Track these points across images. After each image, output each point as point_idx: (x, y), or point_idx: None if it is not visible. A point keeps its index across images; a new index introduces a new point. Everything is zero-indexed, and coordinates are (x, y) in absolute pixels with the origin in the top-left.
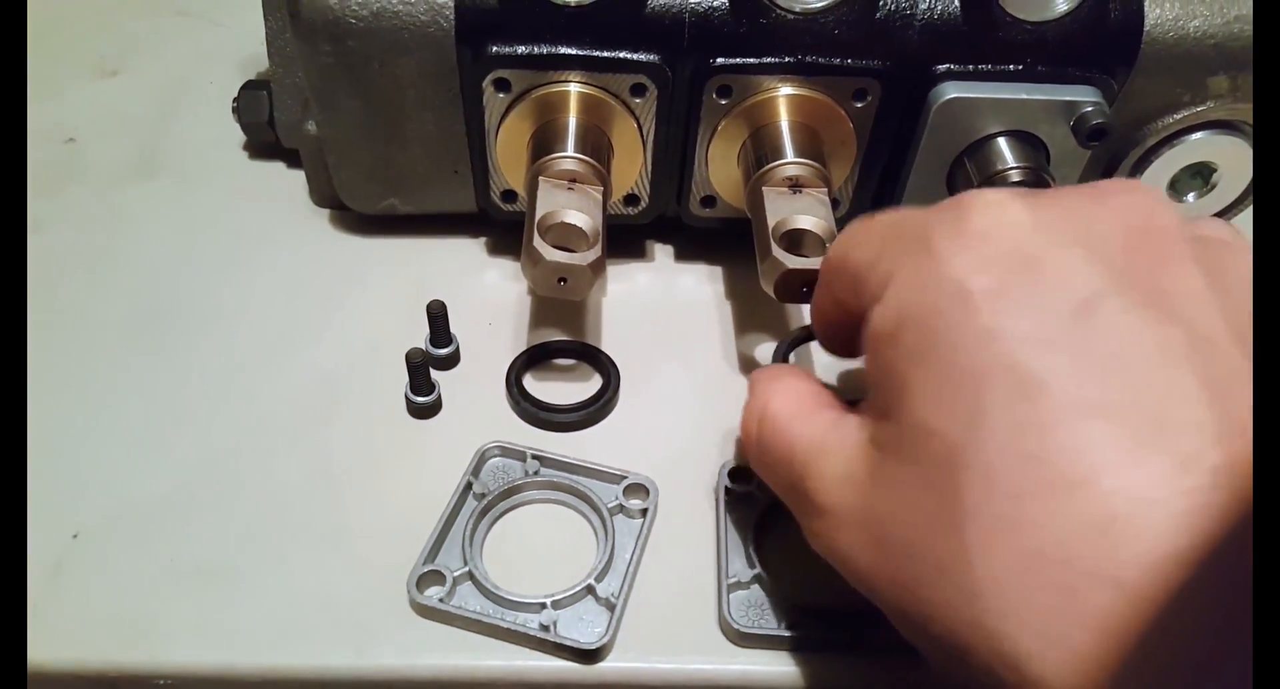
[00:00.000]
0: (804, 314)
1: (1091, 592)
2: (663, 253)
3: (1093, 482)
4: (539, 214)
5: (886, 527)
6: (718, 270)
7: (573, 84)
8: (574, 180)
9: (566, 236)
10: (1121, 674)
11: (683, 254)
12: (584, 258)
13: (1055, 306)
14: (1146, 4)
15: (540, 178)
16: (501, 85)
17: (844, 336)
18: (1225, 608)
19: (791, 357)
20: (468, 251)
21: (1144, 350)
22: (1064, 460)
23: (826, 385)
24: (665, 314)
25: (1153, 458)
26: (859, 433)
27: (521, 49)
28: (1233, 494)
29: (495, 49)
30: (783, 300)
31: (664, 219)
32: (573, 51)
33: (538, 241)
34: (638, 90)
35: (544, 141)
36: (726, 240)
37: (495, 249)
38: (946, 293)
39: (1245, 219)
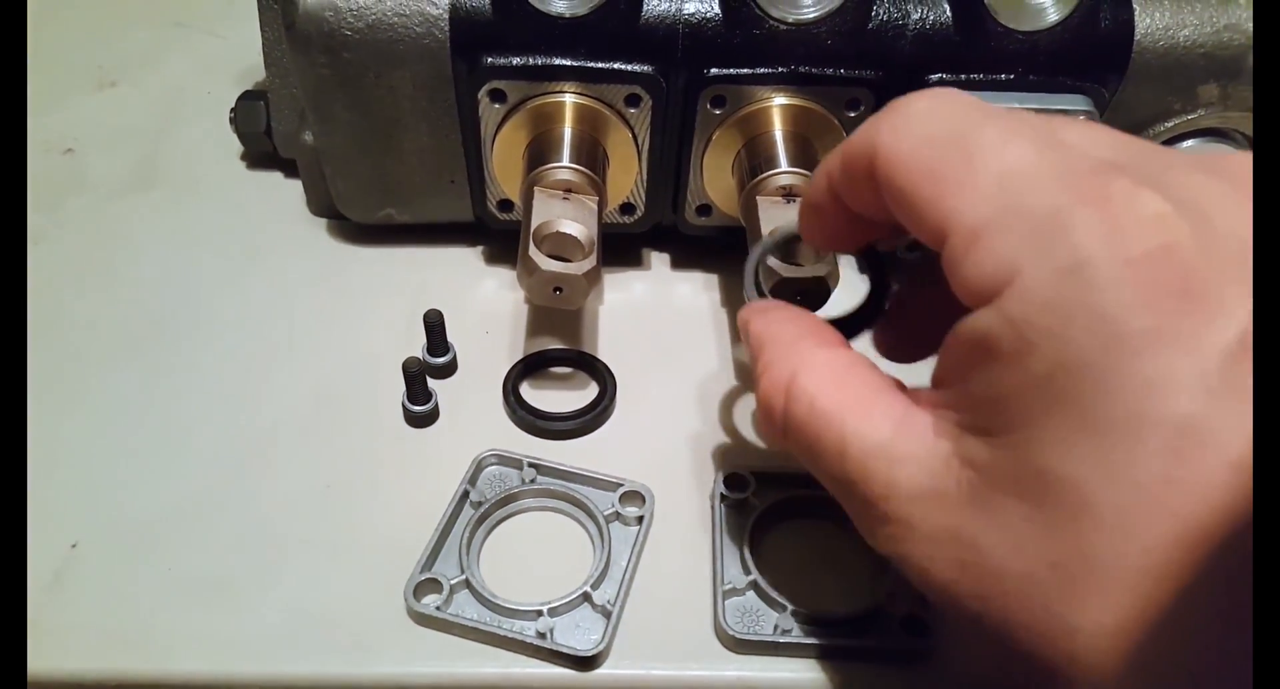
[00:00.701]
0: None
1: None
2: (659, 261)
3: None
4: (534, 224)
5: (981, 553)
6: (714, 278)
7: (568, 95)
8: (569, 190)
9: (562, 246)
10: None
11: (679, 262)
12: (579, 267)
13: (1223, 350)
14: (1137, 14)
15: (536, 188)
16: (497, 96)
17: (840, 232)
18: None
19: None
20: (465, 261)
21: None
22: (1202, 510)
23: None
24: (662, 322)
25: None
26: (941, 442)
27: (516, 60)
28: None
29: (490, 60)
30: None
31: (660, 228)
32: (567, 62)
33: (533, 251)
34: (632, 100)
35: (539, 152)
36: (722, 249)
37: (492, 258)
38: (1101, 332)
39: None
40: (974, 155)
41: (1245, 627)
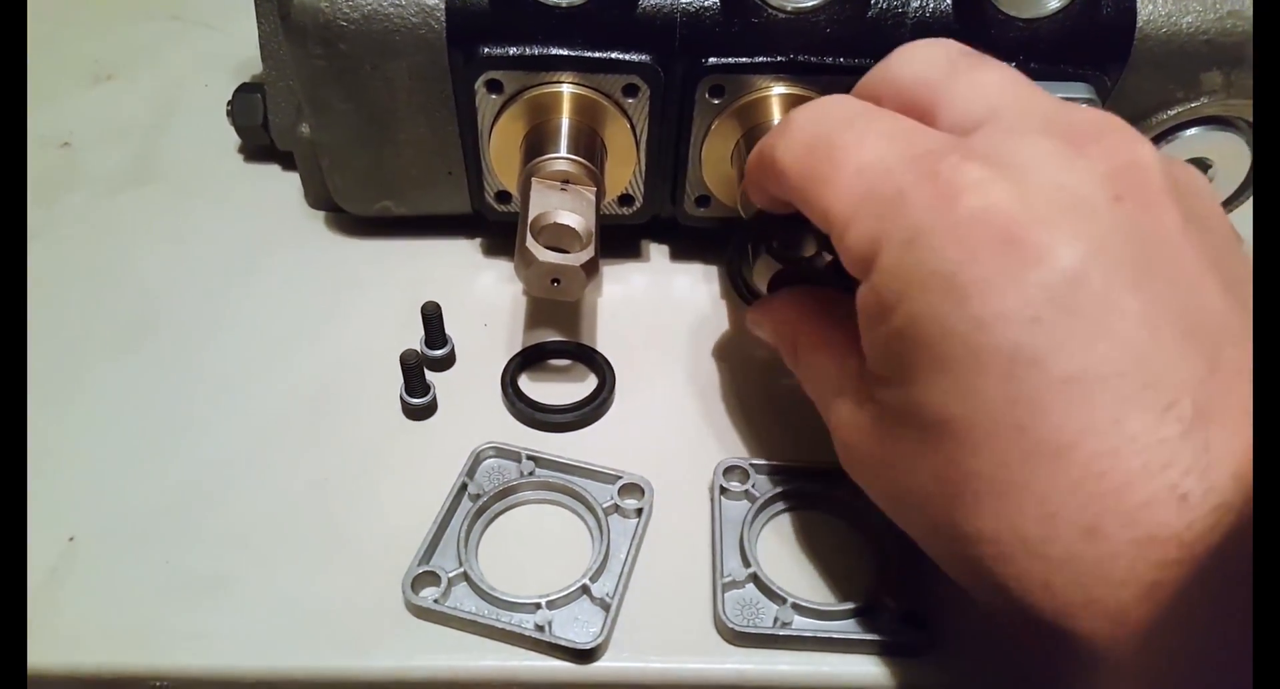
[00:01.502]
0: None
1: (1091, 548)
2: (658, 253)
3: (1079, 445)
4: (532, 215)
5: (893, 474)
6: (713, 270)
7: (565, 85)
8: (567, 181)
9: (559, 237)
10: (1153, 628)
11: (678, 254)
12: (577, 258)
13: (1043, 284)
14: (1139, 0)
15: (533, 179)
16: (494, 87)
17: (769, 202)
18: (1228, 564)
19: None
20: (463, 253)
21: (1127, 314)
22: (1050, 428)
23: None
24: (661, 314)
25: (1134, 415)
26: (861, 385)
27: (513, 50)
28: (1214, 435)
29: (487, 51)
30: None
31: (659, 219)
32: (564, 52)
33: (530, 243)
34: (630, 91)
35: (537, 143)
36: (723, 240)
37: (491, 250)
38: (936, 286)
39: (1240, 215)
40: (836, 156)
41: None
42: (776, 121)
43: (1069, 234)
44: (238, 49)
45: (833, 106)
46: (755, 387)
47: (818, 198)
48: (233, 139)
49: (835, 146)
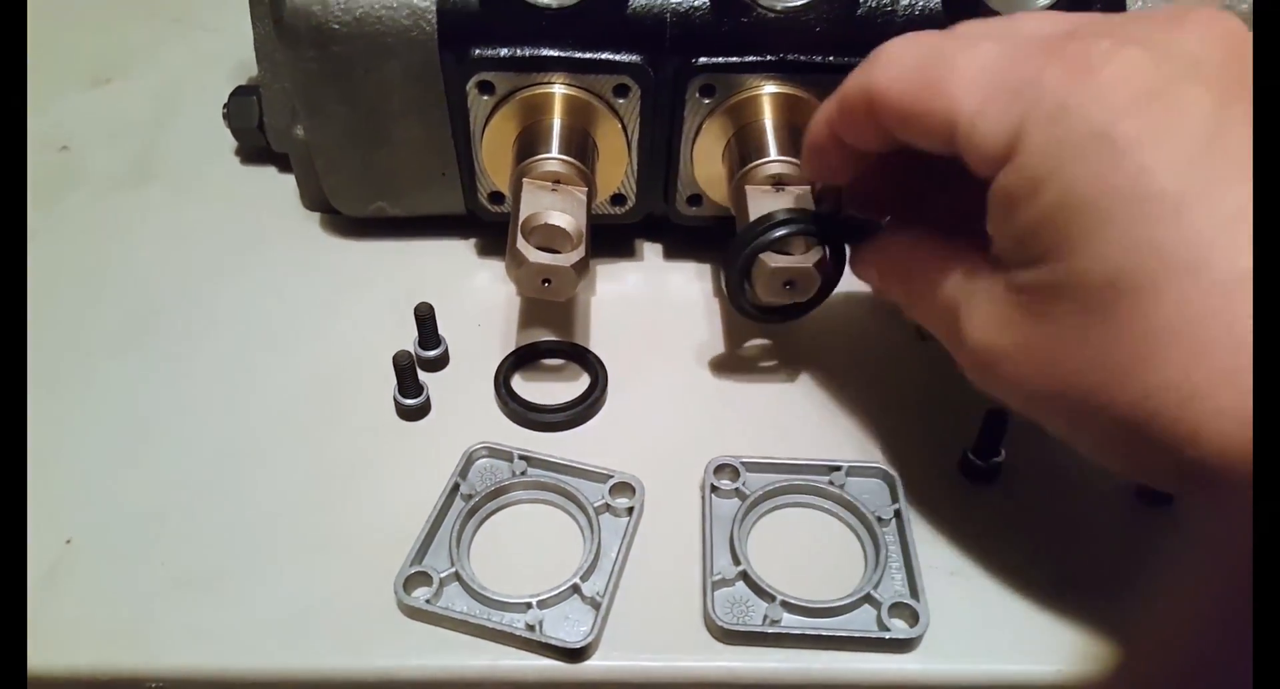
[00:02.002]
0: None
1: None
2: (652, 251)
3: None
4: (523, 216)
5: (1055, 354)
6: (706, 268)
7: (556, 86)
8: (558, 181)
9: (550, 238)
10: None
11: (672, 253)
12: (567, 259)
13: (1192, 131)
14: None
15: (524, 180)
16: (485, 88)
17: (838, 166)
18: None
19: None
20: (458, 253)
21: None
22: (1226, 262)
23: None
24: (654, 312)
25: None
26: (998, 278)
27: (504, 52)
28: None
29: (478, 52)
30: (765, 299)
31: (653, 218)
32: (555, 53)
33: (521, 243)
34: (621, 91)
35: (528, 143)
36: (715, 238)
37: (485, 250)
38: (1092, 149)
39: None
40: (952, 61)
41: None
42: (767, 120)
43: (1203, 86)
44: (236, 50)
45: (923, 33)
46: (746, 384)
47: (936, 105)
48: (230, 141)
49: (947, 55)
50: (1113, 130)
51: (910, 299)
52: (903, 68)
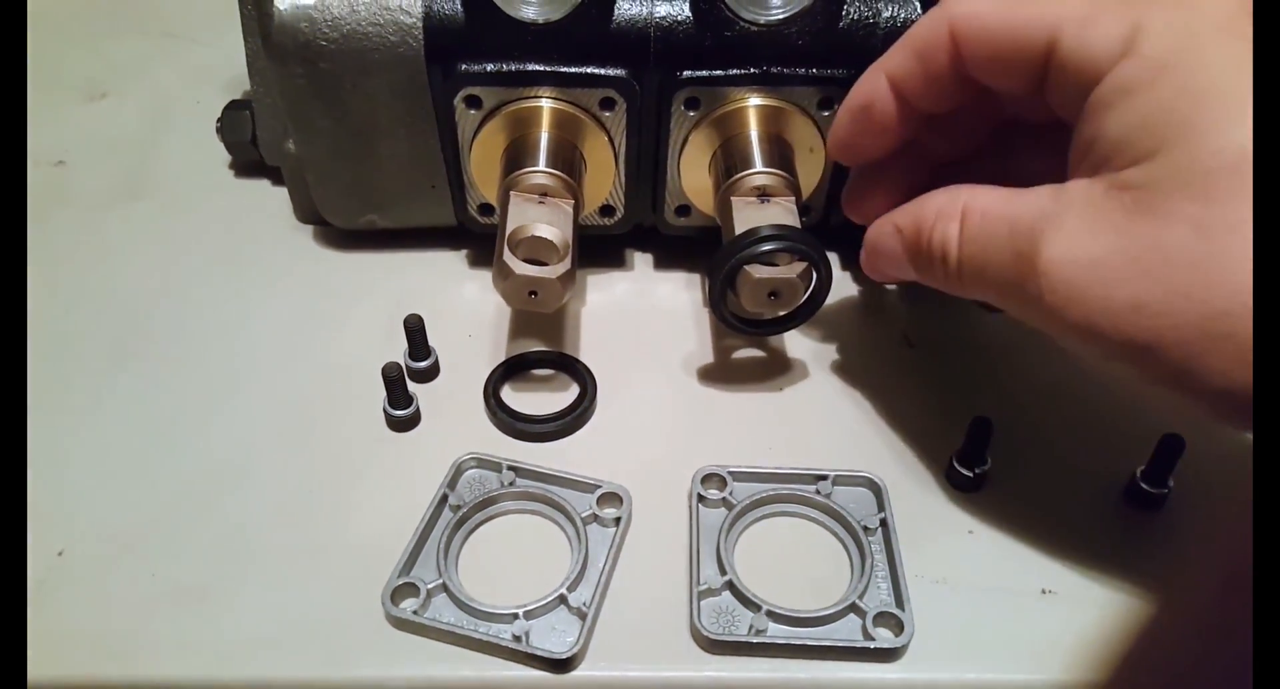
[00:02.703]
0: None
1: None
2: (642, 262)
3: None
4: (509, 228)
5: (1166, 252)
6: (695, 277)
7: (543, 99)
8: (545, 194)
9: (537, 250)
10: None
11: (662, 263)
12: (553, 271)
13: None
14: None
15: (511, 192)
16: (473, 102)
17: (885, 133)
18: None
19: None
20: (448, 264)
21: None
22: None
23: None
24: (643, 322)
25: None
26: (1096, 183)
27: (490, 66)
28: None
29: (465, 67)
30: (750, 309)
31: (642, 228)
32: (541, 68)
33: (508, 256)
34: (607, 104)
35: (516, 156)
36: (705, 248)
37: (475, 262)
38: (1225, 33)
39: None
40: None
41: None
42: (753, 131)
43: None
44: (229, 65)
45: None
46: (734, 393)
47: (1035, 20)
48: (223, 155)
49: None
50: (1241, 18)
51: (960, 247)
52: None
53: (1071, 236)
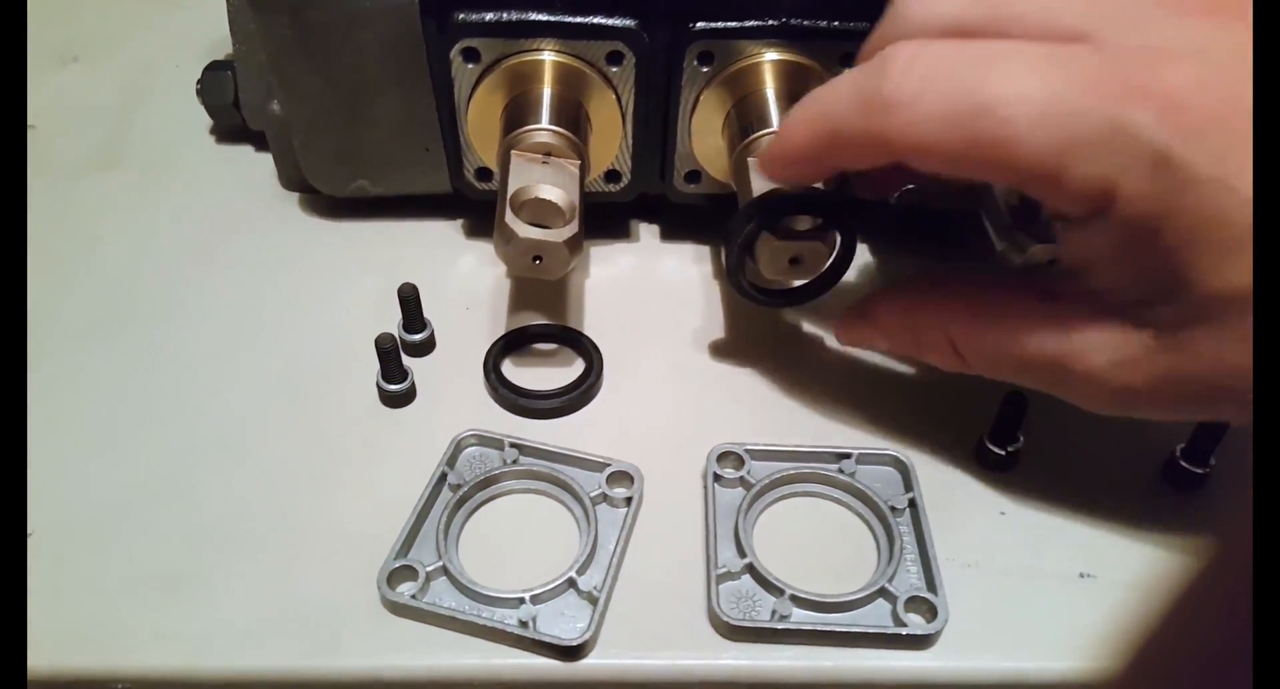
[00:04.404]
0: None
1: None
2: (648, 233)
3: None
4: (511, 189)
5: (1192, 380)
6: (704, 250)
7: (546, 53)
8: (549, 154)
9: (541, 213)
10: None
11: (669, 234)
12: (559, 234)
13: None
14: None
15: (513, 152)
16: (470, 55)
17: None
18: None
19: None
20: (443, 234)
21: None
22: None
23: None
24: (650, 296)
25: None
26: (1112, 321)
27: (490, 16)
28: None
29: (462, 16)
30: (769, 277)
31: (648, 197)
32: (544, 18)
33: (510, 218)
34: (614, 58)
35: (516, 114)
36: (715, 218)
37: (472, 231)
38: (1210, 187)
39: None
40: (997, 112)
41: None
42: (769, 89)
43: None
44: (209, 28)
45: (928, 49)
46: (748, 369)
47: (1000, 161)
48: (204, 120)
49: (986, 103)
50: (1225, 165)
51: (978, 360)
52: (936, 118)
53: (1115, 370)
